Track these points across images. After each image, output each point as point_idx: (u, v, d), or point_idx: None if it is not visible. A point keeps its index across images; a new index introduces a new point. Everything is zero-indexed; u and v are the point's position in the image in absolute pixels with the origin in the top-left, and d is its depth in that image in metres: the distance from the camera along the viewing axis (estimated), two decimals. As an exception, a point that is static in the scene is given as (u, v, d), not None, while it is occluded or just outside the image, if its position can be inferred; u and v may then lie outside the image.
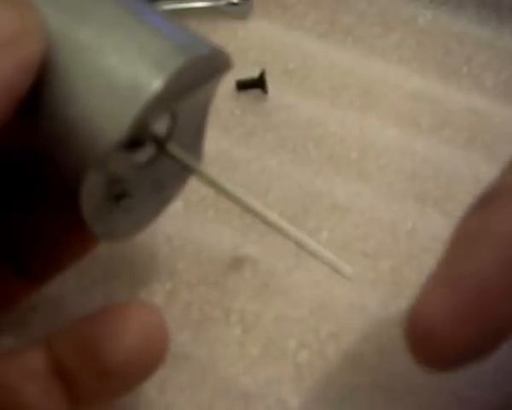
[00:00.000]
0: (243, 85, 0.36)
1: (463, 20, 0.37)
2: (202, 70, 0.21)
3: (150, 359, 0.21)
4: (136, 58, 0.19)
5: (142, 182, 0.22)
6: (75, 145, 0.19)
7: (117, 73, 0.19)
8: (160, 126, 0.21)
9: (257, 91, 0.36)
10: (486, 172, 0.31)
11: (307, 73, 0.36)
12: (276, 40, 0.36)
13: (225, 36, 0.36)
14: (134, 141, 0.20)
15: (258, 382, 0.27)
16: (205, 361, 0.28)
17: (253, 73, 0.36)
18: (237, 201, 0.22)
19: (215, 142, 0.31)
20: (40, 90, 0.19)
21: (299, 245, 0.23)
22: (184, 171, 0.22)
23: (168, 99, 0.20)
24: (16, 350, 0.22)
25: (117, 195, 0.22)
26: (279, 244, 0.29)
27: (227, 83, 0.35)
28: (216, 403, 0.27)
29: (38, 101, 0.19)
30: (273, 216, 0.21)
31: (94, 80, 0.19)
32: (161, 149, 0.22)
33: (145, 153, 0.22)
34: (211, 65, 0.21)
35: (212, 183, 0.22)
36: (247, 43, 0.36)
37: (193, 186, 0.27)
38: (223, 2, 0.38)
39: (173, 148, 0.22)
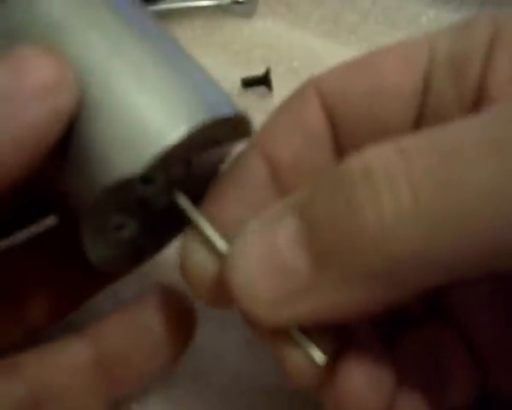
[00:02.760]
0: (248, 83, 0.36)
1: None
2: (222, 130, 0.21)
3: (185, 337, 0.24)
4: (164, 105, 0.19)
5: (145, 218, 0.23)
6: (87, 174, 0.19)
7: (141, 115, 0.19)
8: (174, 171, 0.22)
9: (262, 89, 0.36)
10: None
11: (311, 71, 0.36)
12: (281, 38, 0.37)
13: (230, 34, 0.36)
14: (145, 179, 0.21)
15: (266, 379, 0.27)
16: (210, 357, 0.28)
17: (258, 71, 0.36)
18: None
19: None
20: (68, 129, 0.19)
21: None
22: (186, 219, 0.22)
23: (185, 151, 0.20)
24: (56, 345, 0.23)
25: (116, 226, 0.22)
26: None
27: (232, 81, 0.36)
28: (218, 397, 0.27)
29: (64, 139, 0.19)
30: None
31: (118, 117, 0.19)
32: (170, 193, 0.22)
33: (153, 192, 0.22)
34: (231, 127, 0.21)
35: (205, 237, 0.22)
36: (252, 41, 0.37)
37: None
38: (228, 1, 0.38)
39: (181, 197, 0.22)
